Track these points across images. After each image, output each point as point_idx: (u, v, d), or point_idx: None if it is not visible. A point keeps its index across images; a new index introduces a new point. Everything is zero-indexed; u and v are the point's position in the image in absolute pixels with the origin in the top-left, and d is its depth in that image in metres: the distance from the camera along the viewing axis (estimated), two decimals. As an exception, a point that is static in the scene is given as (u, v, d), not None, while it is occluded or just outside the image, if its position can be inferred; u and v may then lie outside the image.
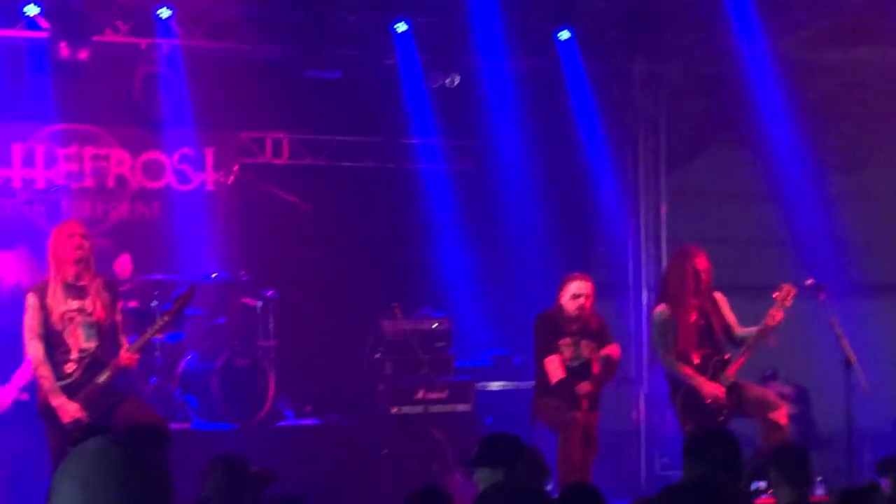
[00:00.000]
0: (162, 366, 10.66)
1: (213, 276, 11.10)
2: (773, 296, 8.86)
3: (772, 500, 5.28)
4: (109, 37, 11.04)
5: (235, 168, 11.74)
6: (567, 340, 9.16)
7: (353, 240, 12.05)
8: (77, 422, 7.96)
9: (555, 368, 9.15)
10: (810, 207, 12.51)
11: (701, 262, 8.99)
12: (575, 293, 9.16)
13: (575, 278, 9.26)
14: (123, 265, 10.66)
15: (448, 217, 12.43)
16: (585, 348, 9.22)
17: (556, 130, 12.49)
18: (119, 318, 8.52)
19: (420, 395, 10.36)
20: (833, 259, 12.02)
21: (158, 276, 10.82)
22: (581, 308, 9.17)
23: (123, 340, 8.44)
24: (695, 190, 12.97)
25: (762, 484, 5.12)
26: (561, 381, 9.11)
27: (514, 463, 5.84)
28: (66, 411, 8.03)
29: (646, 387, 12.37)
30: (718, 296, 9.15)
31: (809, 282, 8.99)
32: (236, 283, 11.09)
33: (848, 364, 9.00)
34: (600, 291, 10.35)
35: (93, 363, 8.24)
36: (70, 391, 8.16)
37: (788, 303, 8.83)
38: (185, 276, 10.92)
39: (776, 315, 8.78)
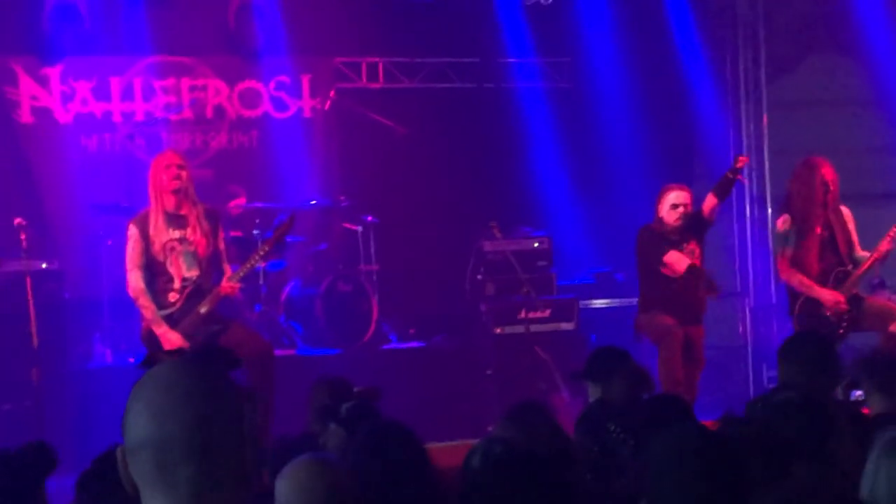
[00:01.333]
0: (266, 293, 10.77)
1: (313, 202, 11.16)
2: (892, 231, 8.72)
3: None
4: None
5: (332, 94, 11.75)
6: (672, 252, 9.06)
7: (451, 162, 12.01)
8: (179, 350, 8.07)
9: (678, 258, 9.04)
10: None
11: (828, 173, 8.86)
12: (674, 203, 9.05)
13: (672, 189, 9.14)
14: (238, 198, 10.82)
15: (546, 135, 12.33)
16: (690, 255, 9.11)
17: (653, 43, 12.31)
18: (222, 246, 8.60)
19: (523, 314, 10.33)
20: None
21: (259, 205, 10.90)
22: (681, 217, 9.06)
23: (227, 268, 8.53)
24: (797, 99, 12.71)
25: (860, 393, 5.01)
26: (690, 268, 9.00)
27: (613, 377, 5.82)
28: (168, 340, 8.15)
29: (752, 300, 12.23)
30: (845, 210, 9.01)
31: None
32: (336, 208, 11.14)
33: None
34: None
35: (195, 291, 8.35)
36: (173, 320, 8.29)
37: None
38: (286, 203, 10.99)
39: (883, 247, 8.67)
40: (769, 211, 11.80)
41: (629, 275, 10.62)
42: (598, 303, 11.33)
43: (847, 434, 3.56)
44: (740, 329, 12.22)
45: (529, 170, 12.15)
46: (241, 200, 10.95)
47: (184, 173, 8.35)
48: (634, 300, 9.74)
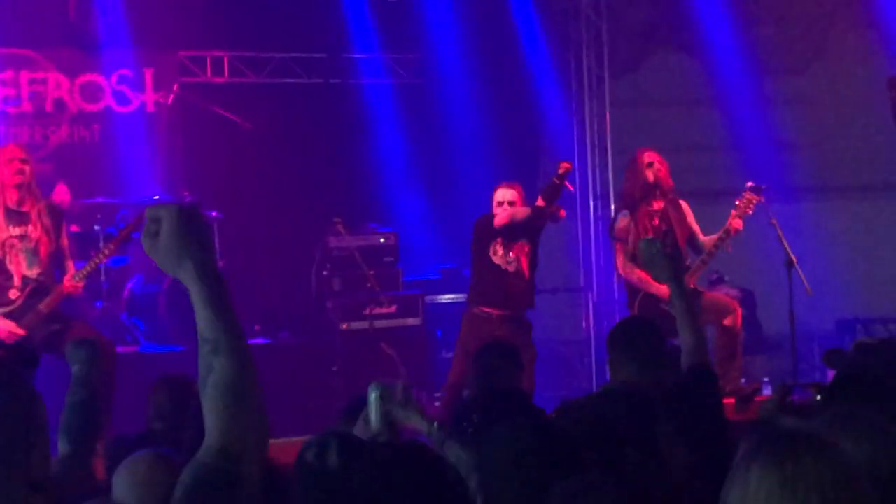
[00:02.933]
0: (108, 289, 10.57)
1: (156, 197, 10.99)
2: (736, 202, 8.88)
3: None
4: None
5: (175, 88, 11.59)
6: (498, 241, 9.04)
7: (297, 157, 11.96)
8: (11, 335, 7.94)
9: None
10: (752, 112, 12.55)
11: (650, 156, 9.02)
12: (499, 200, 9.07)
13: (500, 186, 9.17)
14: (61, 194, 10.54)
15: (393, 131, 12.35)
16: (519, 251, 9.11)
17: (500, 41, 12.42)
18: (65, 243, 8.45)
19: (368, 310, 10.35)
20: (775, 162, 12.09)
21: (100, 199, 10.70)
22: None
23: (70, 265, 8.38)
24: (639, 98, 12.95)
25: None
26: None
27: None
28: (4, 332, 7.99)
29: (595, 295, 12.40)
30: (683, 204, 9.16)
31: (750, 184, 9.01)
32: (182, 202, 10.99)
33: (790, 265, 9.06)
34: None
35: (36, 290, 8.18)
36: (13, 318, 8.11)
37: (750, 210, 8.86)
38: (128, 198, 10.83)
39: (735, 223, 8.82)
40: (612, 207, 11.98)
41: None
42: (445, 298, 11.37)
43: (670, 426, 3.62)
44: (584, 324, 12.37)
45: (376, 166, 12.16)
46: (64, 194, 10.68)
47: (27, 167, 8.18)
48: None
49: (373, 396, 4.07)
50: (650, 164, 9.00)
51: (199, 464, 2.41)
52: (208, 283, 2.45)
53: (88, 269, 8.39)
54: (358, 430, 4.06)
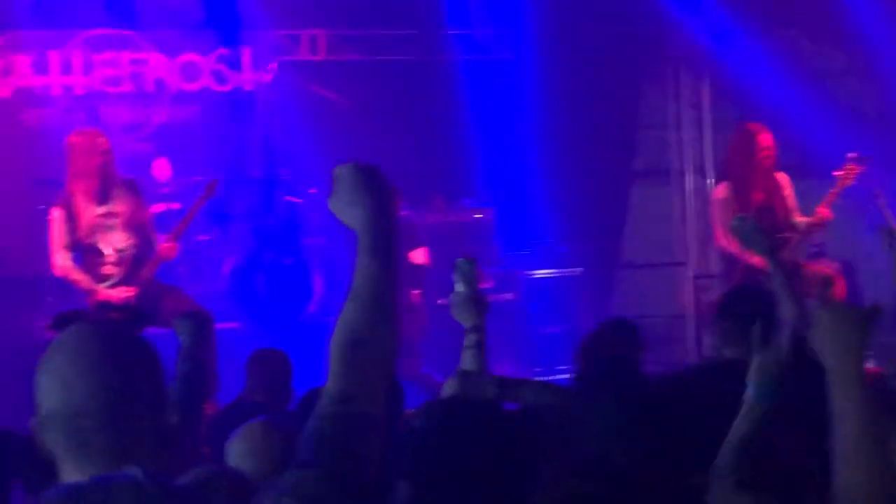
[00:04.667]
0: (208, 267, 10.73)
1: (255, 176, 11.14)
2: (837, 173, 8.79)
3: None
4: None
5: (272, 66, 11.70)
6: None
7: (394, 134, 11.98)
8: (123, 298, 8.14)
9: None
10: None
11: (765, 139, 8.94)
12: None
13: None
14: (162, 169, 10.71)
15: (488, 108, 12.31)
16: None
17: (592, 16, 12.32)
18: (148, 215, 8.64)
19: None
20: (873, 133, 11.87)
21: (199, 178, 10.83)
22: None
23: (156, 237, 8.55)
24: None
25: None
26: None
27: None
28: (114, 296, 8.19)
29: (693, 269, 12.32)
30: (782, 176, 9.09)
31: (852, 154, 8.88)
32: (278, 181, 11.11)
33: (892, 235, 8.91)
34: (646, 175, 10.28)
35: (131, 261, 8.37)
36: (115, 291, 8.34)
37: (851, 180, 8.76)
38: (227, 177, 10.95)
39: (824, 212, 8.75)
40: (708, 181, 11.87)
41: (571, 246, 10.69)
42: (541, 273, 11.36)
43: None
44: (683, 299, 12.30)
45: (473, 143, 12.13)
46: (164, 169, 10.85)
47: (108, 148, 8.38)
48: (577, 270, 9.78)
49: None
50: (762, 150, 8.90)
51: (321, 411, 2.45)
52: (373, 234, 2.57)
53: (180, 228, 8.57)
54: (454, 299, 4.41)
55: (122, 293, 8.26)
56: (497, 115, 12.27)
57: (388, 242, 2.60)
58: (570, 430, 3.66)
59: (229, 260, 10.96)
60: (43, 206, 10.12)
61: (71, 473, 2.28)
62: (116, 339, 2.34)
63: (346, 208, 2.63)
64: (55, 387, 2.28)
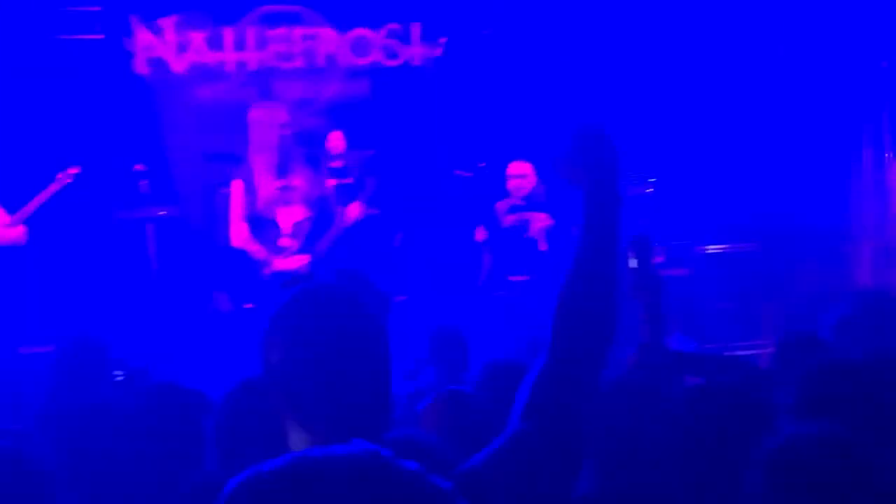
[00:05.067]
0: (378, 240, 10.81)
1: (424, 149, 11.18)
2: None
3: None
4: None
5: (442, 40, 11.73)
6: None
7: (561, 108, 11.85)
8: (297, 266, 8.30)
9: None
10: None
11: None
12: None
13: None
14: (336, 141, 10.80)
15: (663, 78, 12.12)
16: None
17: None
18: (325, 189, 8.73)
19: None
20: None
21: (371, 151, 10.94)
22: None
23: (337, 209, 8.65)
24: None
25: None
26: None
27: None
28: (290, 265, 8.35)
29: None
30: None
31: None
32: (448, 155, 11.14)
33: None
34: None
35: (306, 234, 8.49)
36: (291, 263, 8.48)
37: None
38: (396, 150, 11.03)
39: None
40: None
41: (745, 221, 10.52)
42: (713, 248, 11.18)
43: None
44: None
45: (642, 121, 11.93)
46: (338, 141, 10.97)
47: (287, 123, 8.50)
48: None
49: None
50: None
51: (544, 375, 2.46)
52: (596, 194, 2.56)
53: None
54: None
55: (295, 265, 8.40)
56: (673, 97, 12.07)
57: (612, 203, 2.57)
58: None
59: (399, 234, 11.04)
60: (216, 180, 10.36)
61: (294, 434, 2.29)
62: (343, 303, 2.33)
63: (570, 168, 2.61)
64: (280, 348, 2.29)
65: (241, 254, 8.96)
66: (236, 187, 8.55)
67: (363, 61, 11.96)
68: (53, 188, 8.46)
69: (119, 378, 5.46)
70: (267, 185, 8.49)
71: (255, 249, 8.50)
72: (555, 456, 2.40)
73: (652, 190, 10.94)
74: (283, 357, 2.27)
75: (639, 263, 4.45)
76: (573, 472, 2.47)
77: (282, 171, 8.50)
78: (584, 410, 2.47)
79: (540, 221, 9.63)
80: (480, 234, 10.23)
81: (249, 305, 9.94)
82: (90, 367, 5.56)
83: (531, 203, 9.93)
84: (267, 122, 8.52)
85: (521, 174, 9.64)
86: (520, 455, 2.37)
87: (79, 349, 5.66)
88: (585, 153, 2.57)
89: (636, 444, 3.53)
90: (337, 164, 10.62)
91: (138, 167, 9.71)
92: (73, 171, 8.51)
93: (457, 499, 2.14)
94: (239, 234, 8.53)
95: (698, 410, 3.41)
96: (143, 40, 11.44)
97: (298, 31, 11.83)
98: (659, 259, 10.28)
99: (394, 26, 11.94)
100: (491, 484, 2.32)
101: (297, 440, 2.28)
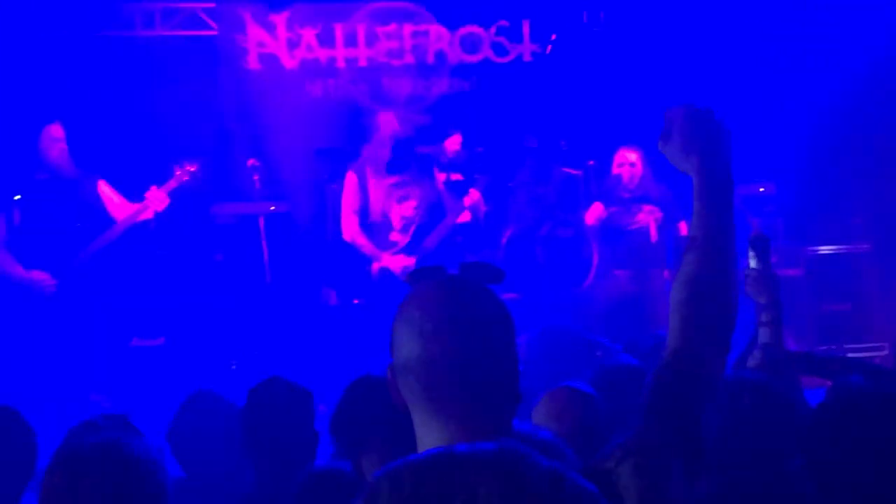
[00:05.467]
0: (486, 237, 10.80)
1: (532, 146, 11.13)
2: None
3: None
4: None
5: (553, 38, 11.69)
6: None
7: (674, 103, 11.77)
8: (407, 269, 8.30)
9: None
10: None
11: None
12: None
13: None
14: (453, 144, 10.87)
15: (775, 81, 11.98)
16: None
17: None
18: (437, 186, 8.73)
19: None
20: None
21: (481, 149, 10.93)
22: None
23: (447, 207, 8.67)
24: None
25: None
26: None
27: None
28: (395, 264, 8.37)
29: None
30: None
31: None
32: (557, 152, 11.10)
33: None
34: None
35: (418, 230, 8.52)
36: (400, 258, 8.51)
37: None
38: (505, 147, 11.01)
39: None
40: None
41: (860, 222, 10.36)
42: (826, 249, 11.03)
43: None
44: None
45: (758, 121, 11.78)
46: (457, 138, 11.01)
47: (398, 121, 8.57)
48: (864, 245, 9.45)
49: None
50: None
51: (663, 369, 2.42)
52: (707, 180, 2.52)
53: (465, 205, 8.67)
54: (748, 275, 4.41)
55: (403, 262, 8.42)
56: (785, 84, 11.92)
57: (725, 189, 2.53)
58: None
59: (506, 231, 11.02)
60: (326, 176, 10.43)
61: (423, 424, 2.29)
62: (474, 294, 2.32)
63: (679, 153, 2.58)
64: (412, 337, 2.29)
65: (350, 249, 8.99)
66: (349, 181, 8.60)
67: (473, 58, 11.96)
68: (172, 184, 8.58)
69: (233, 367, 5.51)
70: (379, 181, 8.52)
71: (365, 245, 8.54)
72: (677, 456, 2.36)
73: (764, 189, 10.81)
74: (425, 346, 2.26)
75: (758, 263, 4.40)
76: (695, 473, 2.43)
77: (394, 167, 8.53)
78: (705, 410, 2.43)
79: (649, 213, 9.53)
80: (588, 226, 10.17)
81: (357, 301, 10.00)
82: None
83: (639, 194, 9.82)
84: (381, 119, 8.56)
85: (629, 162, 9.54)
86: (643, 455, 2.34)
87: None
88: (696, 130, 2.54)
89: (759, 444, 3.48)
90: (447, 160, 10.65)
91: (251, 162, 9.81)
92: (191, 167, 8.61)
93: (601, 500, 2.13)
94: (349, 229, 8.58)
95: (848, 413, 3.29)
96: (256, 36, 11.55)
97: (408, 28, 11.87)
98: (773, 259, 10.16)
99: (503, 23, 11.92)
100: (618, 484, 2.29)
101: (429, 433, 2.28)
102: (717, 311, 2.46)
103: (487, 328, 2.30)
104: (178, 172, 8.67)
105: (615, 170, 9.66)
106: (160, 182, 8.77)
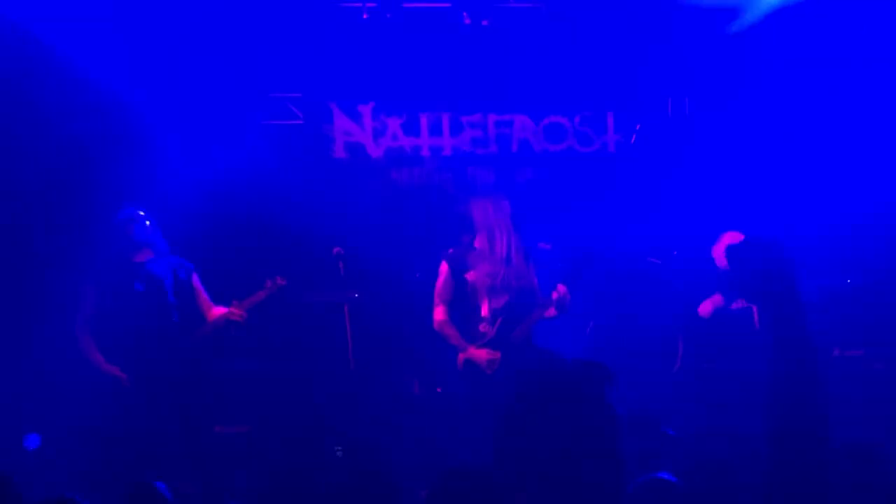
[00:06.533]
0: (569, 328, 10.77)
1: (619, 235, 11.14)
2: None
3: None
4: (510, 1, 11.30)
5: (637, 128, 11.74)
6: None
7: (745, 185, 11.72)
8: (493, 362, 8.27)
9: None
10: None
11: None
12: None
13: None
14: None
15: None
16: None
17: None
18: (532, 278, 8.70)
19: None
20: None
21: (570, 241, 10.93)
22: None
23: (540, 299, 8.63)
24: None
25: None
26: None
27: None
28: (479, 356, 8.34)
29: None
30: None
31: None
32: (647, 241, 11.08)
33: None
34: None
35: (505, 321, 8.48)
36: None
37: None
38: (591, 236, 11.00)
39: None
40: None
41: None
42: None
43: None
44: None
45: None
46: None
47: (504, 212, 8.58)
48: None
49: None
50: None
51: None
52: (780, 312, 2.74)
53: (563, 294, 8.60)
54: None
55: (487, 355, 8.39)
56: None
57: (792, 314, 2.75)
58: None
59: (591, 323, 10.98)
60: (411, 263, 10.47)
61: None
62: (581, 392, 2.37)
63: (753, 285, 2.67)
64: (525, 436, 2.39)
65: (436, 338, 8.99)
66: (443, 270, 8.62)
67: (556, 147, 12.02)
68: (260, 296, 8.65)
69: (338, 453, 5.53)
70: (475, 270, 8.52)
71: (452, 335, 8.52)
72: None
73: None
74: (530, 445, 2.31)
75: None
76: None
77: (491, 257, 8.53)
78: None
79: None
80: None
81: (440, 390, 10.00)
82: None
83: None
84: (481, 209, 8.57)
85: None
86: None
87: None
88: (768, 262, 2.61)
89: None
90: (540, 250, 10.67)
91: (336, 250, 9.91)
92: (282, 282, 8.68)
93: None
94: (439, 318, 8.57)
95: None
96: (342, 126, 11.70)
97: (493, 118, 11.97)
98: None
99: (587, 113, 11.99)
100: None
101: None
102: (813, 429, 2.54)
103: (590, 431, 2.34)
104: (268, 284, 8.73)
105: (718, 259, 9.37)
106: (249, 284, 8.81)
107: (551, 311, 8.56)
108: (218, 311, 8.47)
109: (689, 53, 11.79)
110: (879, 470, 3.60)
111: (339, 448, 4.92)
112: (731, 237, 9.44)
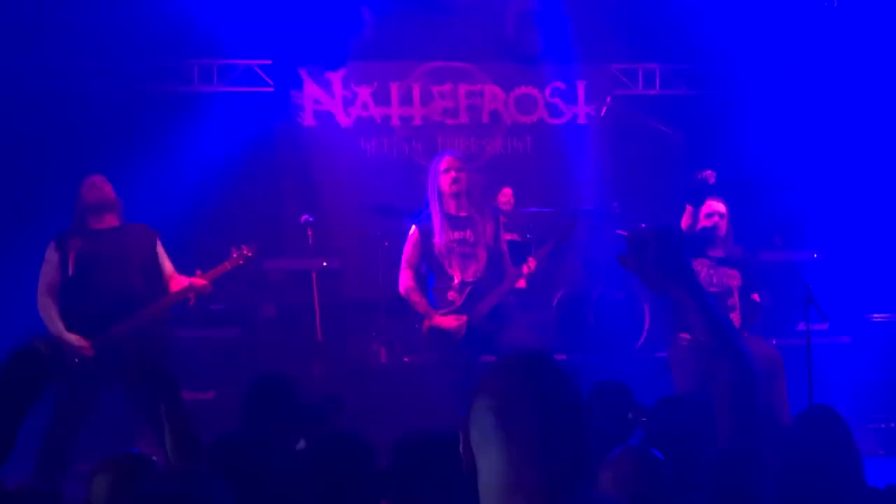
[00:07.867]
0: (538, 297, 10.78)
1: (586, 208, 11.14)
2: None
3: None
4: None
5: (608, 100, 11.75)
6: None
7: (728, 168, 11.75)
8: (460, 327, 8.25)
9: None
10: None
11: None
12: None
13: None
14: (506, 197, 10.90)
15: (824, 149, 11.97)
16: None
17: None
18: (504, 247, 8.67)
19: (803, 325, 10.09)
20: None
21: (533, 209, 10.95)
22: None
23: (510, 268, 8.59)
24: None
25: None
26: None
27: None
28: (447, 323, 8.31)
29: None
30: None
31: None
32: (609, 214, 11.09)
33: None
34: None
35: (474, 292, 8.45)
36: (453, 321, 8.45)
37: None
38: (558, 208, 11.01)
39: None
40: None
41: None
42: (878, 317, 10.93)
43: None
44: None
45: (812, 181, 11.76)
46: (508, 190, 11.03)
47: (462, 175, 8.46)
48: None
49: None
50: None
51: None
52: (698, 295, 2.78)
53: (541, 256, 8.59)
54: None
55: (453, 322, 8.34)
56: (837, 154, 11.90)
57: (706, 297, 2.80)
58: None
59: (558, 291, 11.00)
60: (380, 232, 10.44)
61: (496, 496, 2.36)
62: (550, 371, 2.39)
63: (655, 272, 2.78)
64: (490, 412, 2.38)
65: (402, 307, 8.95)
66: (412, 235, 8.50)
67: (527, 118, 12.03)
68: (226, 267, 8.38)
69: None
70: (443, 236, 8.43)
71: (418, 301, 8.45)
72: None
73: (817, 256, 10.75)
74: (491, 421, 2.32)
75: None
76: None
77: (459, 222, 8.46)
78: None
79: (731, 278, 9.14)
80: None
81: (407, 359, 10.00)
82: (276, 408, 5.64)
83: (724, 256, 9.25)
84: (444, 171, 8.45)
85: (718, 213, 9.02)
86: None
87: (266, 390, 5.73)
88: (670, 250, 2.70)
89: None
90: (505, 220, 10.66)
91: (304, 217, 9.88)
92: (248, 252, 8.44)
93: None
94: (405, 283, 8.49)
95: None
96: (312, 94, 11.66)
97: (464, 88, 11.96)
98: (823, 327, 10.04)
99: (559, 85, 11.99)
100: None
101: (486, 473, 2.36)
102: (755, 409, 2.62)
103: (561, 409, 2.39)
104: (234, 255, 8.46)
105: (704, 221, 9.04)
106: (214, 252, 8.68)
107: (521, 283, 8.56)
108: (181, 280, 8.20)
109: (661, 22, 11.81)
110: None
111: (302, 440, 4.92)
112: (712, 202, 9.24)
